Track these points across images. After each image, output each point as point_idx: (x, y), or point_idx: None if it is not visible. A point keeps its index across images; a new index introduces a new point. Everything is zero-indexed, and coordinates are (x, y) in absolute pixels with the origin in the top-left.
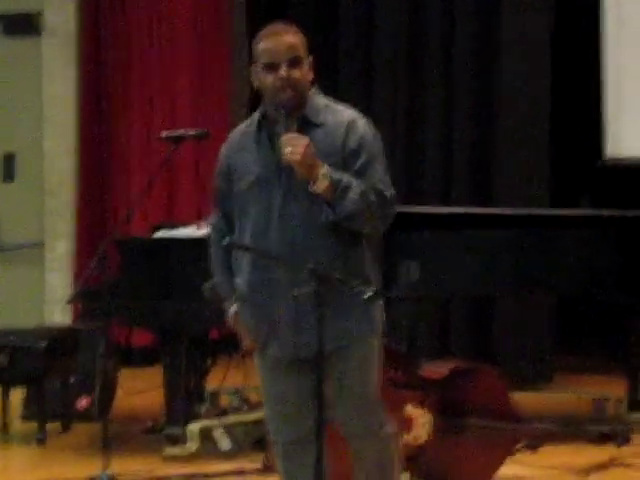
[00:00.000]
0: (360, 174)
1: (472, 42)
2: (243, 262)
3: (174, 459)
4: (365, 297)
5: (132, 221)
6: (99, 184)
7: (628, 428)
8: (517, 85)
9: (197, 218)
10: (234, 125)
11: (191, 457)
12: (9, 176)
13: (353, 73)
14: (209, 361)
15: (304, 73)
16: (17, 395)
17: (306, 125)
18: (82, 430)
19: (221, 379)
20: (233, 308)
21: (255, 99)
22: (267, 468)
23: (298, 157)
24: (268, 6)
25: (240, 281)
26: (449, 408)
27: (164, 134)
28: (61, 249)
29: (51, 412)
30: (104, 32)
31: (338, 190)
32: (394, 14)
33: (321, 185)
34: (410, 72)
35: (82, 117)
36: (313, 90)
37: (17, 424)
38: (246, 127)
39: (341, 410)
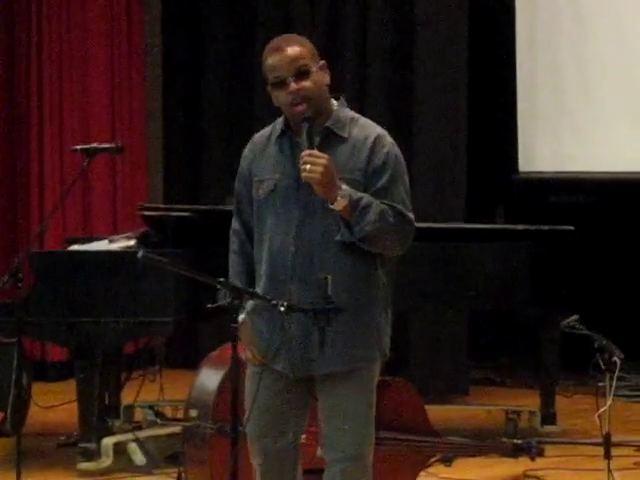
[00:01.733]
0: (381, 193)
1: (387, 55)
2: (261, 272)
3: (88, 474)
4: (282, 309)
5: (46, 235)
6: (13, 198)
7: (542, 441)
8: (433, 98)
9: (113, 232)
10: (149, 140)
11: (105, 472)
12: None
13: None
14: (123, 375)
15: (316, 81)
16: None
17: (330, 137)
18: None
19: (136, 393)
20: (242, 316)
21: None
22: None
23: (317, 176)
24: (182, 22)
25: (258, 291)
26: None
27: (78, 147)
28: None
29: None
30: (17, 41)
31: (357, 210)
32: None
33: (339, 205)
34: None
35: None
36: (339, 102)
37: None
38: (270, 132)
39: (331, 431)
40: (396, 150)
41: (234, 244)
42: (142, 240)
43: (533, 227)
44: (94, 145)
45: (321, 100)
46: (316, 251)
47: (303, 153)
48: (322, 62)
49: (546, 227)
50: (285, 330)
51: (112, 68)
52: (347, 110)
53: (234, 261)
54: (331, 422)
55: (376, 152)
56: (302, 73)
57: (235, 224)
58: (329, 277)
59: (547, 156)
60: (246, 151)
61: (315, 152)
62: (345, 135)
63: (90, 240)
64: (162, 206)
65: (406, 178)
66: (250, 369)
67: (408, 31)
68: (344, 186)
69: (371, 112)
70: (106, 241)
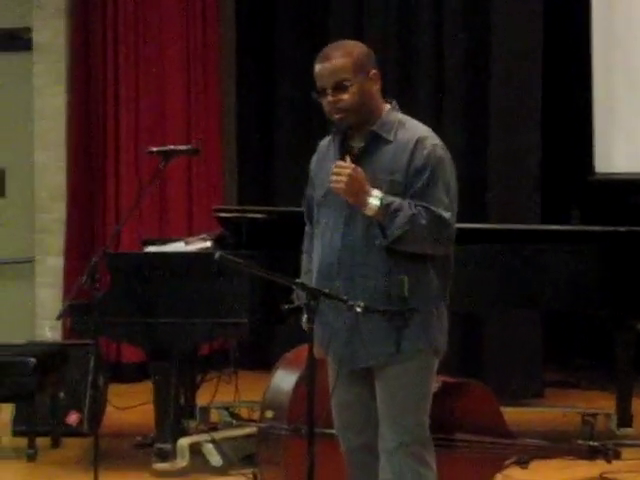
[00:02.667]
0: (419, 194)
1: (463, 50)
2: (314, 270)
3: (164, 475)
4: (358, 310)
5: (122, 236)
6: (89, 199)
7: (618, 443)
8: (508, 98)
9: (188, 233)
10: (226, 142)
11: (181, 473)
12: (0, 191)
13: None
14: (199, 377)
15: (355, 94)
16: (7, 411)
17: (376, 140)
18: (72, 445)
19: (211, 394)
20: (304, 316)
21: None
22: None
23: (342, 186)
24: (256, 21)
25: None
26: (438, 424)
27: (154, 149)
28: (52, 264)
29: (41, 427)
30: (93, 47)
31: (387, 214)
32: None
33: (370, 211)
34: (401, 90)
35: (72, 132)
36: (391, 106)
37: (7, 440)
38: (330, 138)
39: (381, 421)
40: (439, 152)
41: (305, 244)
42: (218, 242)
43: (609, 228)
44: (170, 147)
45: (363, 109)
46: (358, 250)
47: (333, 165)
48: (373, 72)
49: (622, 228)
50: (332, 325)
51: (188, 68)
52: (397, 113)
53: (304, 260)
54: (381, 413)
55: (417, 154)
56: (340, 87)
57: (306, 226)
58: (405, 278)
59: (624, 157)
60: (314, 156)
61: (342, 163)
62: (391, 138)
63: (166, 242)
64: (237, 208)
65: (449, 179)
66: (329, 366)
67: (483, 32)
68: (376, 192)
69: (446, 114)
70: (182, 243)
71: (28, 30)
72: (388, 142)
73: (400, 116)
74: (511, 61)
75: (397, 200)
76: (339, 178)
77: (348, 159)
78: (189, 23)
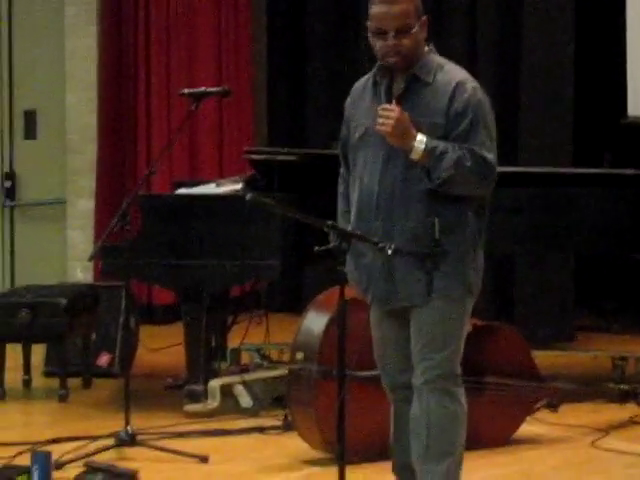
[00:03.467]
0: (462, 137)
1: (496, 4)
2: (352, 212)
3: (195, 416)
4: (389, 253)
5: (153, 179)
6: (121, 141)
7: None
8: (541, 44)
9: (219, 176)
10: (257, 84)
11: (212, 414)
12: (31, 133)
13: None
14: (230, 318)
15: (414, 39)
16: (39, 351)
17: (415, 82)
18: (103, 386)
19: (242, 336)
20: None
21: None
22: (288, 425)
23: (388, 129)
24: None
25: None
26: (468, 366)
27: (185, 91)
28: (83, 206)
29: (73, 368)
30: None
31: (432, 158)
32: None
33: (415, 154)
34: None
35: (103, 73)
36: (428, 49)
37: (39, 380)
38: (368, 79)
39: (414, 357)
40: (479, 95)
41: (340, 186)
42: (249, 183)
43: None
44: (202, 89)
45: (415, 55)
46: (397, 193)
47: (378, 108)
48: (423, 18)
49: None
50: (370, 266)
51: (219, 14)
52: (435, 56)
53: (340, 202)
54: (412, 349)
55: (457, 97)
56: (404, 30)
57: (342, 168)
58: (436, 220)
59: None
60: (348, 98)
61: (388, 106)
62: (430, 80)
63: (197, 184)
64: (269, 149)
65: (490, 122)
66: (371, 308)
67: None
68: (420, 136)
69: (479, 58)
70: (213, 185)
71: None
72: (427, 84)
73: (438, 59)
74: (544, 8)
75: (442, 143)
76: (386, 121)
77: (394, 102)
78: None
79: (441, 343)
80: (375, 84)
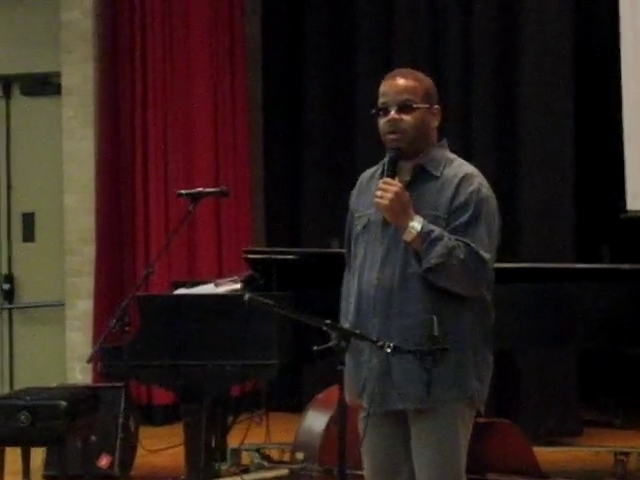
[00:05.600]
0: (460, 230)
1: (489, 85)
2: (350, 307)
3: None
4: (388, 351)
5: (152, 279)
6: (119, 242)
7: None
8: (539, 137)
9: (218, 275)
10: (254, 183)
11: None
12: (29, 236)
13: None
14: (230, 418)
15: (417, 119)
16: (38, 454)
17: (423, 175)
18: None
19: (242, 436)
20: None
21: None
22: None
23: (386, 202)
24: (282, 62)
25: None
26: (470, 463)
27: (183, 192)
28: (82, 308)
29: (72, 471)
30: (121, 91)
31: (426, 242)
32: (413, 22)
33: (409, 235)
34: None
35: (101, 175)
36: (440, 143)
37: None
38: (375, 170)
39: (416, 466)
40: (484, 191)
41: (344, 288)
42: (248, 283)
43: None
44: (199, 189)
45: (419, 139)
46: (395, 286)
47: (379, 181)
48: (436, 107)
49: None
50: (366, 365)
51: (215, 112)
52: (446, 151)
53: (343, 304)
54: (416, 461)
55: (461, 190)
56: (405, 107)
57: (345, 270)
58: (434, 317)
59: None
60: (354, 189)
61: (389, 180)
62: (437, 174)
63: (196, 284)
64: (267, 249)
65: (492, 219)
66: (360, 412)
67: (513, 68)
68: (418, 218)
69: (476, 150)
70: (212, 285)
71: (58, 75)
72: (434, 178)
73: (448, 154)
74: (541, 101)
75: (437, 229)
76: (385, 194)
77: (397, 179)
78: (218, 72)
79: (446, 456)
80: (382, 175)
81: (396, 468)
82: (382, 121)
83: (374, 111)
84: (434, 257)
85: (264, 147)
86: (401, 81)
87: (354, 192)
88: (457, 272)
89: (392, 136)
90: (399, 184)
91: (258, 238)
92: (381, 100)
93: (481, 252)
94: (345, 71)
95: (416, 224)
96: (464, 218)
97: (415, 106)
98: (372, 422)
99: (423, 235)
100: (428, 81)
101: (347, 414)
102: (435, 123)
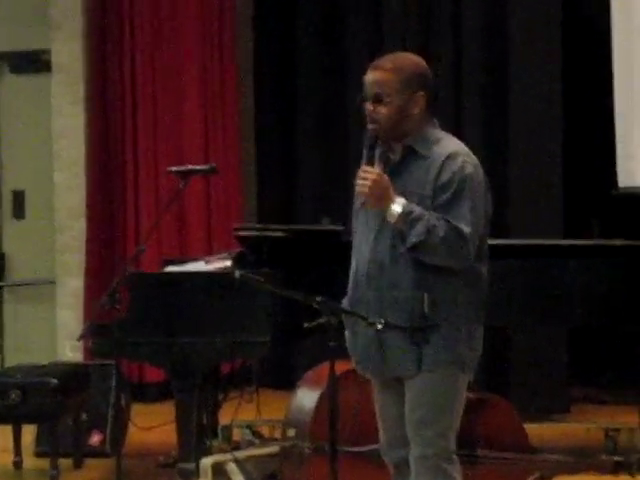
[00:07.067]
0: (444, 207)
1: (481, 69)
2: (350, 280)
3: None
4: (378, 327)
5: (142, 257)
6: (109, 219)
7: None
8: (528, 113)
9: (208, 252)
10: (246, 160)
11: None
12: (19, 213)
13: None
14: (221, 395)
15: (392, 110)
16: (29, 432)
17: (411, 155)
18: (95, 466)
19: (233, 413)
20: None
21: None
22: None
23: (365, 190)
24: (274, 42)
25: (345, 300)
26: (460, 439)
27: (173, 168)
28: (72, 285)
29: (63, 448)
30: (110, 68)
31: (407, 221)
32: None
33: (391, 217)
34: None
35: (91, 152)
36: (430, 123)
37: (29, 461)
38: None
39: (407, 429)
40: (468, 169)
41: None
42: (238, 260)
43: (632, 242)
44: (189, 167)
45: (396, 127)
46: (386, 262)
47: (359, 169)
48: (420, 94)
49: None
50: (361, 337)
51: (205, 88)
52: (435, 131)
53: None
54: (408, 424)
55: (445, 169)
56: (378, 99)
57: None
58: (425, 295)
59: None
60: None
61: (367, 168)
62: (426, 153)
63: (186, 261)
64: (257, 226)
65: (475, 197)
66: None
67: (502, 44)
68: (399, 199)
69: (466, 125)
70: (202, 262)
71: (47, 52)
72: (423, 157)
73: (438, 133)
74: (531, 70)
75: (418, 209)
76: (364, 182)
77: (377, 165)
78: (206, 46)
79: (433, 419)
80: (371, 148)
81: (404, 438)
82: (366, 109)
83: (358, 101)
84: (414, 236)
85: (256, 123)
86: (373, 75)
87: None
88: (438, 249)
89: (370, 126)
90: (376, 170)
91: (249, 216)
92: (363, 90)
93: (461, 226)
94: (338, 46)
95: (397, 206)
96: (447, 196)
97: (387, 100)
98: (379, 389)
99: (404, 216)
100: (411, 68)
101: (338, 390)
102: (416, 109)
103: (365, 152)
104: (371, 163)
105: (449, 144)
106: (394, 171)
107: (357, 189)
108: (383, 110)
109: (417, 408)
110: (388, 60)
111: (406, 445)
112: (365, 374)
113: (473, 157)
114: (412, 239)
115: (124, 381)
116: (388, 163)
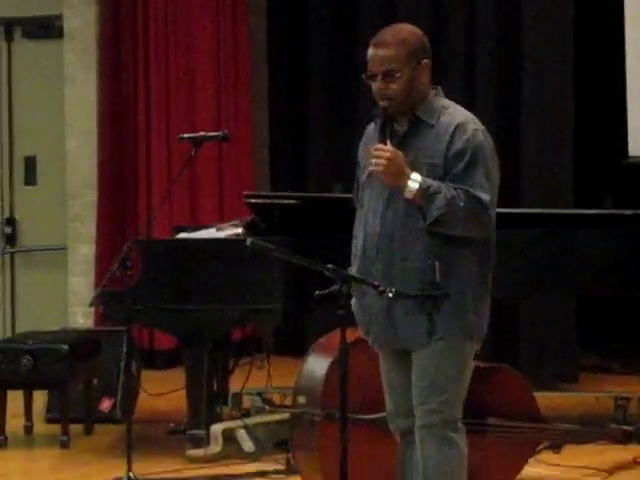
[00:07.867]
0: (459, 177)
1: (494, 47)
2: (357, 250)
3: (197, 461)
4: (390, 296)
5: (154, 224)
6: (121, 186)
7: None
8: (540, 84)
9: (220, 220)
10: (258, 127)
11: (214, 458)
12: (31, 179)
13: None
14: (231, 362)
15: (403, 84)
16: (40, 398)
17: (418, 124)
18: (105, 432)
19: (243, 380)
20: (353, 300)
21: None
22: (290, 469)
23: (381, 169)
24: (288, 8)
25: (351, 271)
26: (470, 408)
27: (185, 135)
28: (84, 252)
29: (74, 414)
30: (124, 35)
31: (425, 197)
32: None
33: (409, 194)
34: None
35: (103, 119)
36: (435, 92)
37: (40, 427)
38: (378, 122)
39: (414, 399)
40: (479, 137)
41: (355, 229)
42: (249, 228)
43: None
44: (201, 134)
45: (409, 99)
46: (397, 233)
47: (371, 148)
48: (425, 61)
49: None
50: (371, 307)
51: (218, 56)
52: (441, 99)
53: (353, 245)
54: (414, 392)
55: (456, 138)
56: (389, 75)
57: (357, 211)
58: (436, 263)
59: None
60: (361, 140)
61: (381, 146)
62: (433, 122)
63: (198, 228)
64: (268, 194)
65: (490, 164)
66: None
67: (516, 21)
68: (415, 175)
69: (477, 99)
70: (214, 229)
71: (59, 18)
72: (430, 126)
73: (444, 101)
74: (543, 48)
75: (435, 183)
76: (379, 161)
77: (389, 142)
78: (219, 12)
79: (440, 387)
80: (384, 126)
81: (411, 407)
82: (373, 86)
83: (364, 77)
84: (435, 210)
85: (269, 91)
86: (384, 49)
87: (362, 142)
88: (460, 219)
89: (382, 103)
90: (391, 148)
91: (262, 183)
92: (368, 67)
93: (480, 194)
94: (351, 12)
95: (414, 182)
96: (461, 165)
97: (398, 75)
98: (386, 359)
99: (422, 191)
100: (414, 38)
101: (349, 358)
102: (425, 76)
103: (377, 131)
104: (383, 141)
105: (456, 112)
106: (402, 142)
107: (371, 168)
108: (394, 86)
109: (425, 376)
110: (388, 34)
111: (409, 415)
112: (374, 345)
113: (480, 124)
114: (433, 213)
115: (135, 347)
116: (396, 135)
